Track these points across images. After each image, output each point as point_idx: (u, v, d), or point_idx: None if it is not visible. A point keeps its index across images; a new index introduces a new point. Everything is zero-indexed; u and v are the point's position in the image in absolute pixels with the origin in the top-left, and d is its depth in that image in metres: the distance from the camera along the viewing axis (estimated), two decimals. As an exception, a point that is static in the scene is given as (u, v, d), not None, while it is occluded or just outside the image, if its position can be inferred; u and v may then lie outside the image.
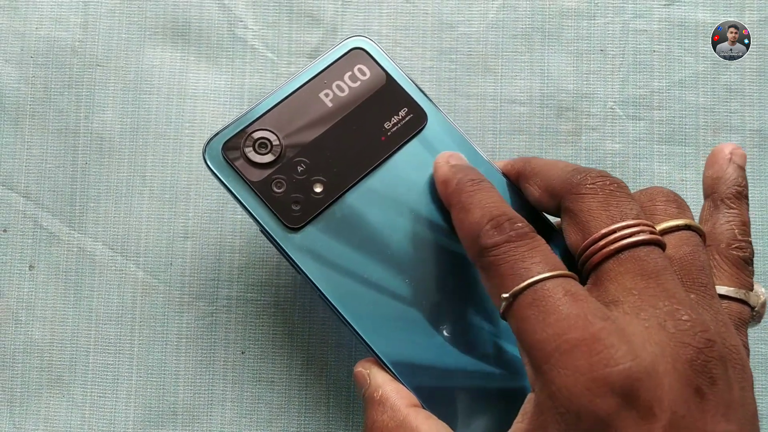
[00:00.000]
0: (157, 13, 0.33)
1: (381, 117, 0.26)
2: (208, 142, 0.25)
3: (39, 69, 0.33)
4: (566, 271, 0.19)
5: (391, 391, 0.22)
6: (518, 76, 0.33)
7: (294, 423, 0.31)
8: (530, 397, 0.19)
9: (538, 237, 0.20)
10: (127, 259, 0.32)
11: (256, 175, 0.25)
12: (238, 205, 0.25)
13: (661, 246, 0.19)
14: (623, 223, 0.19)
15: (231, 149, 0.25)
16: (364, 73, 0.26)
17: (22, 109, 0.33)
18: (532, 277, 0.19)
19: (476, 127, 0.33)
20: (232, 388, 0.31)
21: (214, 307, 0.32)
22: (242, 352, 0.31)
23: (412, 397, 0.22)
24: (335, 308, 0.24)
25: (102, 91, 0.33)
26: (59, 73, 0.33)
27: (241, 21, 0.33)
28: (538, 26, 0.33)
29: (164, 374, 0.31)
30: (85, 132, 0.33)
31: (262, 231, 0.25)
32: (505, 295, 0.19)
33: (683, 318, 0.18)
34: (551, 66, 0.33)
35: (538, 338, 0.18)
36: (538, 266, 0.19)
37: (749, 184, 0.32)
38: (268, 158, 0.25)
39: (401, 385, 0.23)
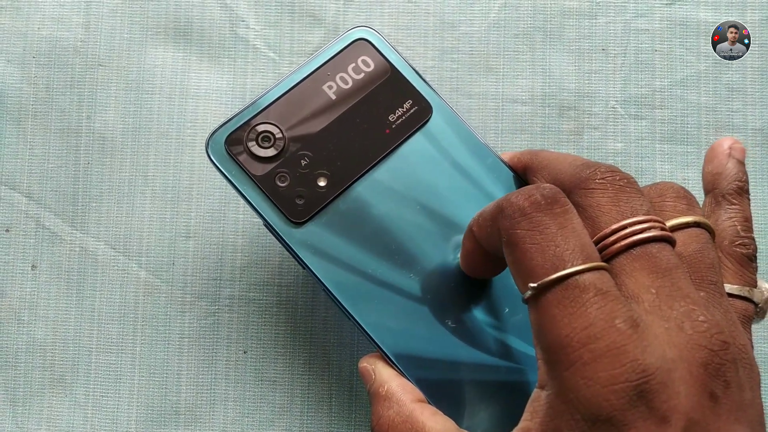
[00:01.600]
0: (159, 12, 0.33)
1: (385, 109, 0.25)
2: (210, 136, 0.25)
3: (41, 69, 0.33)
4: (600, 262, 0.18)
5: (396, 386, 0.22)
6: (520, 76, 0.33)
7: (296, 422, 0.31)
8: (538, 395, 0.18)
9: (569, 205, 0.19)
10: (129, 259, 0.32)
11: (260, 169, 0.25)
12: (241, 200, 0.25)
13: (672, 243, 0.19)
14: (633, 219, 0.19)
15: (234, 143, 0.25)
16: (368, 65, 0.26)
17: (24, 109, 0.33)
18: (565, 268, 0.18)
19: (478, 127, 0.33)
20: (234, 388, 0.31)
21: (217, 307, 0.32)
22: (244, 352, 0.31)
23: (418, 392, 0.22)
24: (339, 303, 0.24)
25: (104, 91, 0.33)
26: (61, 73, 0.33)
27: (243, 21, 0.33)
28: (540, 26, 0.33)
29: (166, 374, 0.31)
30: (87, 132, 0.33)
31: (265, 225, 0.25)
32: (532, 285, 0.18)
33: (700, 319, 0.17)
34: (553, 65, 0.33)
35: (561, 342, 0.17)
36: (571, 254, 0.18)
37: (751, 183, 0.32)
38: (272, 152, 0.25)
39: (406, 381, 0.23)
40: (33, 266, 0.32)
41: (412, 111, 0.25)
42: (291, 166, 0.25)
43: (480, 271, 0.24)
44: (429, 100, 0.26)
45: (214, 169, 0.25)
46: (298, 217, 0.24)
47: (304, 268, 0.24)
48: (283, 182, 0.25)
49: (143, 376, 0.31)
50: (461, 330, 0.24)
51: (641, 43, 0.33)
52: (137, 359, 0.31)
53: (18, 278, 0.32)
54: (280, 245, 0.25)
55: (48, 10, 0.33)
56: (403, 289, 0.24)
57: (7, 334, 0.32)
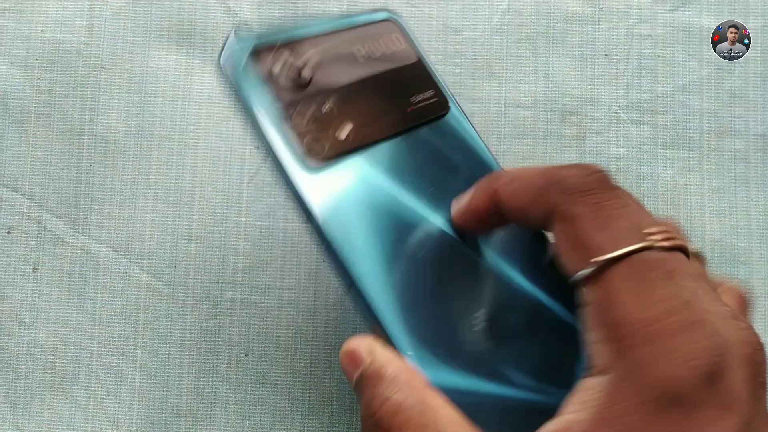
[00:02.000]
0: (162, 15, 0.33)
1: (409, 89, 0.24)
2: (226, 42, 0.21)
3: (44, 71, 0.33)
4: (666, 242, 0.18)
5: (403, 367, 0.19)
6: (523, 81, 0.33)
7: (297, 425, 0.31)
8: (590, 384, 0.17)
9: (624, 190, 0.19)
10: (130, 262, 0.32)
11: (281, 98, 0.22)
12: (249, 132, 0.22)
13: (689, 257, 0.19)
14: (664, 227, 0.19)
15: (257, 61, 0.22)
16: (397, 44, 0.25)
17: (26, 112, 0.33)
18: (633, 244, 0.17)
19: (481, 131, 0.32)
20: (235, 391, 0.31)
21: (218, 310, 0.32)
22: (246, 355, 0.31)
23: (425, 379, 0.20)
24: (342, 263, 0.21)
25: (107, 94, 0.33)
26: (64, 75, 0.33)
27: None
28: (543, 31, 0.33)
29: (168, 376, 0.31)
30: (89, 134, 0.33)
31: (273, 164, 0.22)
32: (597, 259, 0.17)
33: (739, 318, 0.17)
34: (556, 70, 0.33)
35: (635, 317, 0.17)
36: (636, 231, 0.17)
37: (754, 189, 0.32)
38: (296, 83, 0.22)
39: (413, 364, 0.20)
40: (34, 268, 0.32)
41: (432, 100, 0.25)
42: (313, 105, 0.22)
43: (476, 229, 0.22)
44: (447, 98, 0.25)
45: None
46: (312, 161, 0.21)
47: (308, 222, 0.21)
48: (302, 118, 0.22)
49: (144, 379, 0.31)
50: (483, 333, 0.21)
51: (644, 49, 0.33)
52: (138, 362, 0.31)
53: (19, 280, 0.32)
54: (284, 194, 0.22)
55: (51, 13, 0.33)
56: (414, 272, 0.21)
57: (8, 337, 0.32)
